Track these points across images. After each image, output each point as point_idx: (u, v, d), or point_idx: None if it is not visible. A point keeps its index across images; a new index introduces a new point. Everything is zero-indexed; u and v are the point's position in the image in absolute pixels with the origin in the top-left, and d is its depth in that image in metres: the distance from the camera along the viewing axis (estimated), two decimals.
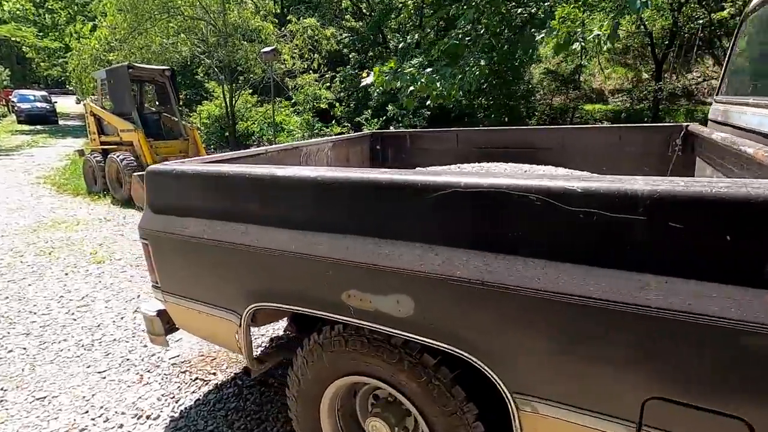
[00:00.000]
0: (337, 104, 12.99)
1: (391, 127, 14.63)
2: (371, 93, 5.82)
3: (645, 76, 19.01)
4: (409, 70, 5.81)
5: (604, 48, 3.87)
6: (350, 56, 17.73)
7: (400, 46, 12.62)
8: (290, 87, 12.16)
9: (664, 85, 15.28)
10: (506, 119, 12.41)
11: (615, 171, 2.97)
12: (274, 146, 2.78)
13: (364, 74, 5.74)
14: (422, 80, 5.71)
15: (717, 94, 2.55)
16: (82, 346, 2.88)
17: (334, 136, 3.41)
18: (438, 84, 5.78)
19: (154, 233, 1.80)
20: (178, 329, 2.06)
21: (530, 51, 8.37)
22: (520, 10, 7.54)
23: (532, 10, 7.49)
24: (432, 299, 1.19)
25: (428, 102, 6.06)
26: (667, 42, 15.20)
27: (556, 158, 3.12)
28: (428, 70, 5.86)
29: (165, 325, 2.05)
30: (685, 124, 2.72)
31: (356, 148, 3.64)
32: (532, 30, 6.43)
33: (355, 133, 3.70)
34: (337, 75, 15.06)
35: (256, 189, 1.53)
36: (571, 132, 3.14)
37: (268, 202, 1.50)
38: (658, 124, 2.84)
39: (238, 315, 1.65)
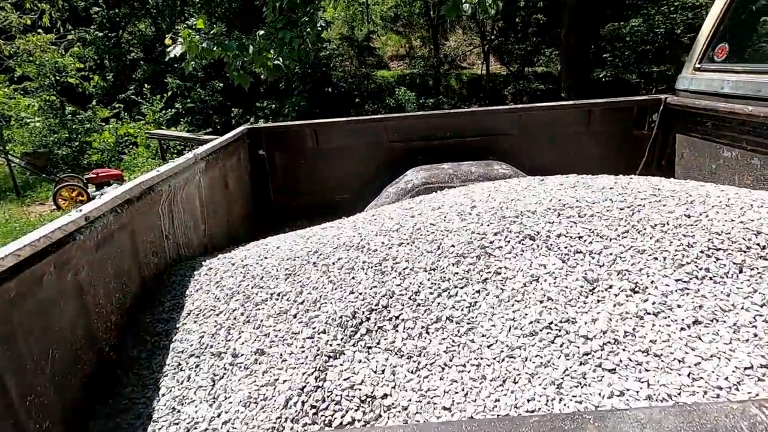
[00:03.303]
0: (96, 77, 9.48)
1: (177, 105, 11.89)
2: (184, 68, 3.97)
3: (415, 43, 20.82)
4: (236, 34, 4.21)
5: (491, 11, 3.38)
6: (93, 13, 13.53)
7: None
8: (6, 54, 8.08)
9: (443, 50, 16.87)
10: (329, 89, 11.51)
11: (582, 155, 2.51)
12: (94, 203, 1.17)
13: (168, 41, 3.81)
14: (256, 47, 4.22)
15: (700, 62, 2.26)
16: None
17: (203, 149, 1.86)
18: (273, 52, 4.39)
19: None
20: None
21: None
22: None
23: None
24: None
25: (263, 76, 4.59)
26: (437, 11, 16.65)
27: (518, 145, 2.49)
28: (260, 33, 4.37)
29: None
30: (663, 96, 2.37)
31: (232, 159, 2.17)
32: None
33: (228, 135, 2.18)
34: (84, 36, 11.15)
35: None
36: (533, 112, 2.50)
37: None
38: (630, 98, 2.45)
39: None
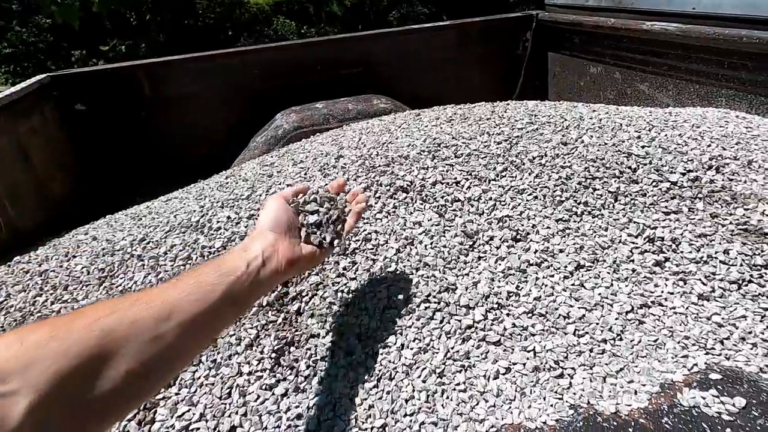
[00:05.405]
0: None
1: None
2: None
3: None
4: None
5: None
6: None
7: None
8: None
9: None
10: (190, 21, 10.00)
11: (464, 81, 2.40)
12: None
13: None
14: None
15: None
16: None
17: None
18: None
19: None
20: None
21: None
22: None
23: None
24: None
25: (95, 8, 3.64)
26: None
27: (397, 75, 2.31)
28: None
29: None
30: (536, 12, 2.28)
31: (30, 120, 1.65)
32: None
33: (13, 89, 1.61)
34: None
35: None
36: (409, 36, 2.27)
37: None
38: (505, 15, 2.31)
39: None
